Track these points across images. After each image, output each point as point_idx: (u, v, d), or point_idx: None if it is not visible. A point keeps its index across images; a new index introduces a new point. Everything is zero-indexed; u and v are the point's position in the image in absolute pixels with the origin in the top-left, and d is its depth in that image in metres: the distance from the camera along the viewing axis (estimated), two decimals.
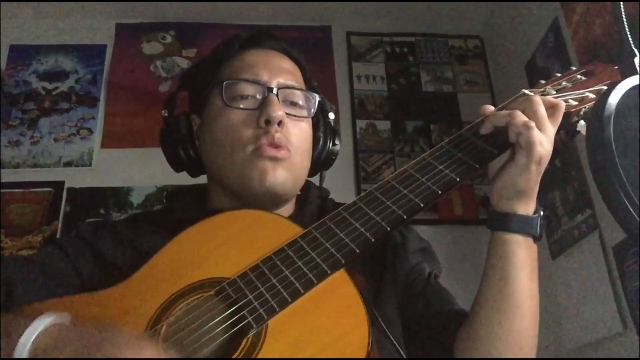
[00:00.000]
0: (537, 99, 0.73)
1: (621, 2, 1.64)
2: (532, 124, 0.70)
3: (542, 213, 0.75)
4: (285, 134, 0.82)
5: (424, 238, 0.92)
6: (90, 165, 2.47)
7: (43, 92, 2.62)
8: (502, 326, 0.71)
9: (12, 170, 2.42)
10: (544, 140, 0.70)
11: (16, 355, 0.54)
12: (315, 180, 0.95)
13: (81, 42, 2.73)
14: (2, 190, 2.33)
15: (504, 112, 0.73)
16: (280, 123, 0.81)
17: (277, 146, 0.80)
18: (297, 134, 0.84)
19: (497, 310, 0.72)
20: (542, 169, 0.72)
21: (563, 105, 0.76)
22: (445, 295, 0.84)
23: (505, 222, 0.73)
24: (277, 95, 0.83)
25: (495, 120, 0.74)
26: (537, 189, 0.74)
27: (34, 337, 0.55)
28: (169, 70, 2.70)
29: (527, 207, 0.74)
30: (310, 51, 2.70)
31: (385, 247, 0.86)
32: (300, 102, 0.86)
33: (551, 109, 0.74)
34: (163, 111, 0.91)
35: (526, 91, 0.78)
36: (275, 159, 0.80)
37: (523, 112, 0.72)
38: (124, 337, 0.55)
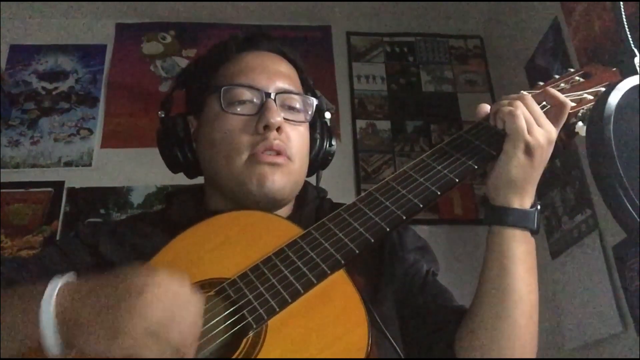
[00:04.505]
0: (528, 95, 0.75)
1: (621, 2, 1.64)
2: (519, 112, 0.71)
3: (539, 207, 0.75)
4: (284, 139, 0.82)
5: (421, 236, 0.92)
6: (90, 165, 2.47)
7: (43, 92, 2.62)
8: (502, 321, 0.71)
9: (12, 170, 2.42)
10: (535, 131, 0.71)
11: (43, 318, 0.54)
12: (312, 180, 0.95)
13: (81, 42, 2.73)
14: (2, 190, 2.33)
15: (496, 103, 0.75)
16: (279, 129, 0.81)
17: (276, 152, 0.81)
18: (295, 139, 0.84)
19: (495, 305, 0.72)
20: (536, 162, 0.72)
21: (569, 105, 0.76)
22: (444, 292, 0.84)
23: (501, 215, 0.74)
24: (275, 100, 0.83)
25: (487, 109, 0.76)
26: (532, 182, 0.74)
27: (54, 297, 0.56)
28: (169, 71, 2.70)
29: (523, 201, 0.74)
30: (310, 51, 2.69)
31: (382, 246, 0.86)
32: (298, 106, 0.87)
33: (558, 107, 0.76)
34: (159, 112, 0.91)
35: (525, 92, 0.79)
36: (273, 164, 0.80)
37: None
38: (139, 270, 0.57)
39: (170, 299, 0.55)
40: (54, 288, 0.56)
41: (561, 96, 0.77)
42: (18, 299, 0.59)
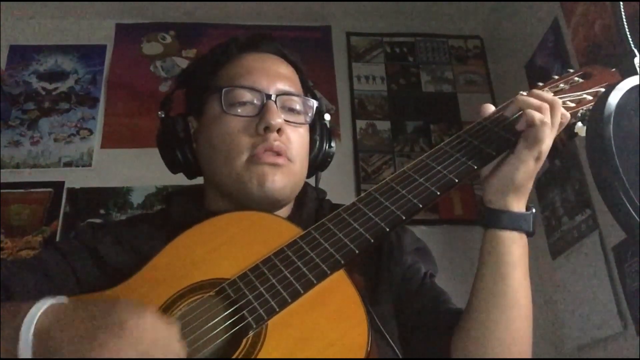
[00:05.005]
0: (559, 103, 0.75)
1: (621, 2, 1.64)
2: (547, 121, 0.71)
3: (534, 210, 0.76)
4: (284, 141, 0.82)
5: (419, 238, 0.92)
6: (90, 165, 2.47)
7: (43, 93, 2.62)
8: (498, 324, 0.72)
9: (12, 170, 2.42)
10: (548, 139, 0.72)
11: (22, 335, 0.55)
12: (311, 181, 0.95)
13: (81, 42, 2.73)
14: (2, 190, 2.33)
15: (534, 101, 0.73)
16: (279, 130, 0.81)
17: (276, 153, 0.81)
18: (296, 140, 0.84)
19: (492, 308, 0.72)
20: (539, 167, 0.74)
21: (559, 102, 0.76)
22: (441, 294, 0.84)
23: (500, 219, 0.74)
24: (275, 102, 0.83)
25: (522, 104, 0.74)
26: (530, 186, 0.75)
27: (37, 317, 0.56)
28: (169, 71, 2.70)
29: (520, 204, 0.74)
30: (310, 51, 2.69)
31: (381, 247, 0.86)
32: (298, 108, 0.87)
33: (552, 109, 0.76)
34: (159, 112, 0.91)
35: (523, 93, 0.79)
36: (273, 165, 0.80)
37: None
38: (127, 305, 0.56)
39: (147, 344, 0.54)
40: (37, 311, 0.57)
41: (549, 96, 0.77)
42: (3, 314, 0.59)
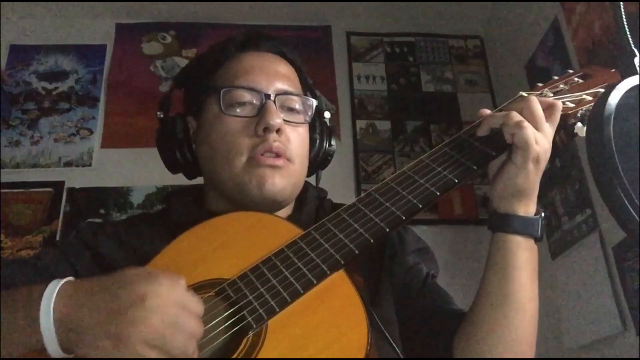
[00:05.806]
0: (534, 98, 0.74)
1: (621, 2, 1.64)
2: (525, 123, 0.70)
3: (543, 214, 0.75)
4: (284, 141, 0.82)
5: (421, 238, 0.92)
6: (90, 165, 2.47)
7: (43, 92, 2.62)
8: (503, 327, 0.72)
9: (12, 170, 2.42)
10: (540, 139, 0.71)
11: (43, 324, 0.54)
12: (312, 180, 0.95)
13: (81, 42, 2.73)
14: (2, 190, 2.33)
15: (499, 113, 0.74)
16: (278, 131, 0.81)
17: (276, 154, 0.80)
18: (295, 140, 0.84)
19: (497, 311, 0.72)
20: (541, 168, 0.73)
21: (560, 104, 0.76)
22: (443, 295, 0.84)
23: (506, 223, 0.74)
24: (274, 101, 0.83)
25: (491, 122, 0.75)
26: (537, 189, 0.74)
27: (53, 301, 0.55)
28: (169, 71, 2.70)
29: (528, 208, 0.74)
30: (310, 51, 2.69)
31: (382, 248, 0.86)
32: (297, 107, 0.86)
33: (549, 109, 0.75)
34: (158, 113, 0.90)
35: (524, 93, 0.79)
36: (273, 167, 0.80)
37: (520, 112, 0.73)
38: (138, 274, 0.57)
39: (170, 308, 0.55)
40: (53, 291, 0.56)
41: (548, 99, 0.77)
42: (16, 301, 0.58)
